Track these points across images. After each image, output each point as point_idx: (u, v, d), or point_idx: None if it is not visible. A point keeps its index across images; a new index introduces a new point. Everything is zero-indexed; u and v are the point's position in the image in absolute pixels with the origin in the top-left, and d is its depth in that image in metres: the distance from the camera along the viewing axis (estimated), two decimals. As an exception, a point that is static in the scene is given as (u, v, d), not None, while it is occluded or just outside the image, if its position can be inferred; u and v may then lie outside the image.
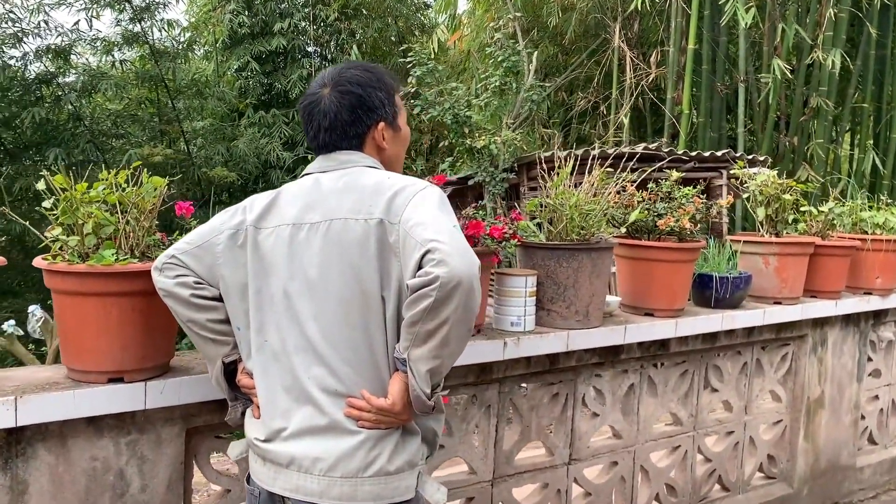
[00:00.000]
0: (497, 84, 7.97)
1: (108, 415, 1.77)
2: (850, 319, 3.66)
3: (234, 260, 1.60)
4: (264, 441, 1.59)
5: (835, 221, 3.58)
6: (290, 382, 1.56)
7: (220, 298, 1.63)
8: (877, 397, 3.98)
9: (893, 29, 8.33)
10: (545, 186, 2.57)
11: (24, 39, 8.77)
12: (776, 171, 3.39)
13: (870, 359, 3.86)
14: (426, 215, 1.48)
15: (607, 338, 2.62)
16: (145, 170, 1.88)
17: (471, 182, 7.60)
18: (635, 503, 2.97)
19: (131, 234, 1.80)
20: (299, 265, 1.56)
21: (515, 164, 7.33)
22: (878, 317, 3.82)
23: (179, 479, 1.91)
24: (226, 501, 2.08)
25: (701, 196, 2.82)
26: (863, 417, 3.89)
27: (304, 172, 1.70)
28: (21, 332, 5.13)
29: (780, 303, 3.25)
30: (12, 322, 4.99)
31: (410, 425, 1.61)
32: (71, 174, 1.75)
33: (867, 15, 7.96)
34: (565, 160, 2.60)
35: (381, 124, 1.70)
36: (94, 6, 8.99)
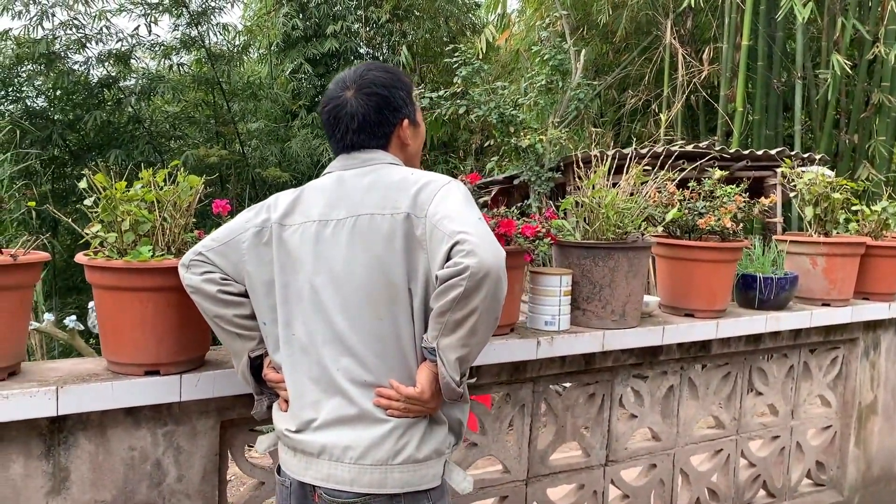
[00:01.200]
0: (543, 83, 7.92)
1: (146, 406, 1.83)
2: (905, 323, 3.53)
3: (259, 257, 1.64)
4: (295, 432, 1.62)
5: (889, 221, 3.46)
6: (318, 374, 1.60)
7: (245, 294, 1.68)
8: (935, 404, 3.83)
9: (962, 21, 7.98)
10: (582, 185, 2.55)
11: (87, 45, 9.09)
12: (832, 170, 3.29)
13: (927, 364, 3.72)
14: (452, 209, 1.52)
15: (645, 338, 2.59)
16: (183, 169, 1.94)
17: (516, 181, 7.57)
18: (675, 507, 2.93)
19: (168, 231, 1.86)
20: (325, 260, 1.59)
21: (562, 164, 7.28)
22: (935, 320, 3.67)
23: (214, 471, 1.96)
24: (260, 493, 2.13)
25: (743, 195, 2.75)
26: (919, 425, 3.75)
27: (325, 171, 1.74)
28: (82, 327, 5.33)
29: (828, 304, 3.15)
30: (74, 317, 5.19)
31: (437, 415, 1.64)
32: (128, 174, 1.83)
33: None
34: (601, 158, 2.58)
35: (405, 122, 1.74)
36: (153, 12, 9.26)
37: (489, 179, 8.06)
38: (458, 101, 7.69)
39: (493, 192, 7.99)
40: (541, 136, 7.16)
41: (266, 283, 1.64)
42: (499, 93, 7.79)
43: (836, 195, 3.10)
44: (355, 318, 1.57)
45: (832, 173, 3.45)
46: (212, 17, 9.59)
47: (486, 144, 9.14)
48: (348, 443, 1.56)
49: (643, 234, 2.57)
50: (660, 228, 2.73)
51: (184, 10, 9.30)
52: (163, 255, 1.81)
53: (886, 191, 3.88)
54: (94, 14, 9.05)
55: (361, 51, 11.03)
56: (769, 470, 3.21)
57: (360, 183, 1.64)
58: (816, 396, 3.36)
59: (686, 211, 2.71)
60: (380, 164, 1.69)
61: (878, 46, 7.34)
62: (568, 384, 2.63)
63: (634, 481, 2.83)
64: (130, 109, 9.39)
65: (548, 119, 7.96)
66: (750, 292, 2.98)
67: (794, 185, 3.21)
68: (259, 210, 1.69)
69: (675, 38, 8.99)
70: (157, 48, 9.70)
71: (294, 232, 1.62)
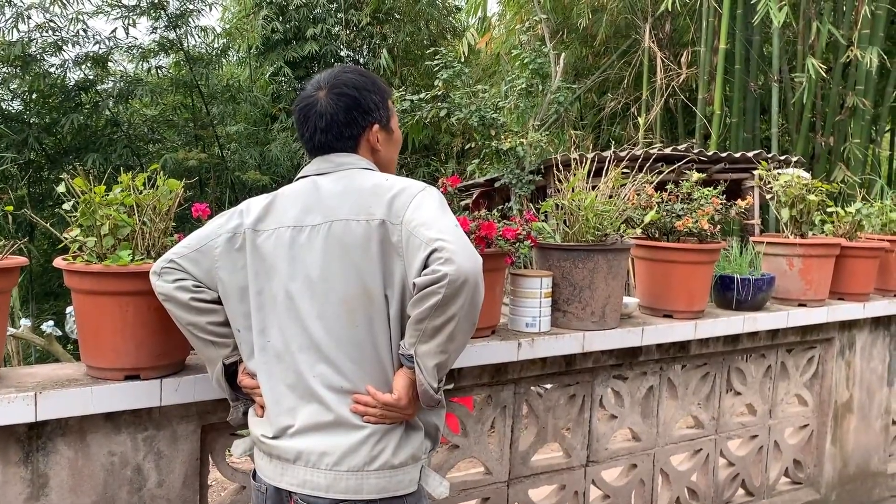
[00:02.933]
0: (524, 86, 7.96)
1: (126, 411, 1.82)
2: (879, 322, 3.58)
3: (231, 263, 1.63)
4: (272, 438, 1.61)
5: (863, 222, 3.51)
6: (294, 381, 1.59)
7: (219, 301, 1.66)
8: (909, 402, 3.89)
9: (934, 26, 8.14)
10: (562, 188, 2.57)
11: (64, 48, 9.01)
12: (808, 172, 3.34)
13: (901, 363, 3.78)
14: (428, 216, 1.52)
15: (624, 339, 2.61)
16: (162, 172, 1.93)
17: (497, 184, 7.60)
18: (655, 506, 2.95)
19: (148, 235, 1.85)
20: (301, 266, 1.58)
21: (542, 167, 7.31)
22: (909, 320, 3.74)
23: (195, 475, 1.96)
24: (241, 498, 2.12)
25: (720, 197, 2.79)
26: (894, 423, 3.81)
27: (299, 175, 1.74)
28: (59, 333, 5.28)
29: (804, 305, 3.20)
30: (51, 323, 5.14)
31: (413, 420, 1.64)
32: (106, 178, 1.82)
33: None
34: (581, 161, 2.60)
35: (376, 126, 1.74)
36: (130, 15, 9.20)
37: (470, 182, 8.09)
38: (439, 104, 7.71)
39: (475, 195, 8.02)
40: (521, 140, 7.19)
41: (240, 290, 1.63)
42: (479, 96, 7.81)
43: (812, 197, 3.15)
44: (331, 325, 1.56)
45: (808, 175, 3.50)
46: (190, 19, 9.55)
47: (467, 147, 9.16)
48: (324, 449, 1.55)
49: (622, 237, 2.59)
50: (638, 230, 2.76)
51: (162, 12, 9.24)
52: (142, 259, 1.80)
53: (860, 192, 3.93)
54: (70, 16, 8.97)
55: (342, 54, 11.03)
56: (748, 469, 3.25)
57: (335, 188, 1.64)
58: (794, 396, 3.41)
59: (664, 213, 2.74)
60: (353, 169, 1.69)
61: (852, 50, 7.45)
62: (549, 385, 2.65)
63: (615, 481, 2.85)
64: (108, 113, 9.32)
65: (528, 122, 8.00)
66: (728, 293, 3.02)
67: (771, 188, 3.25)
68: (231, 216, 1.67)
69: (653, 42, 9.06)
70: (134, 51, 9.64)
71: (268, 237, 1.61)
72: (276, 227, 1.61)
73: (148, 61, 9.77)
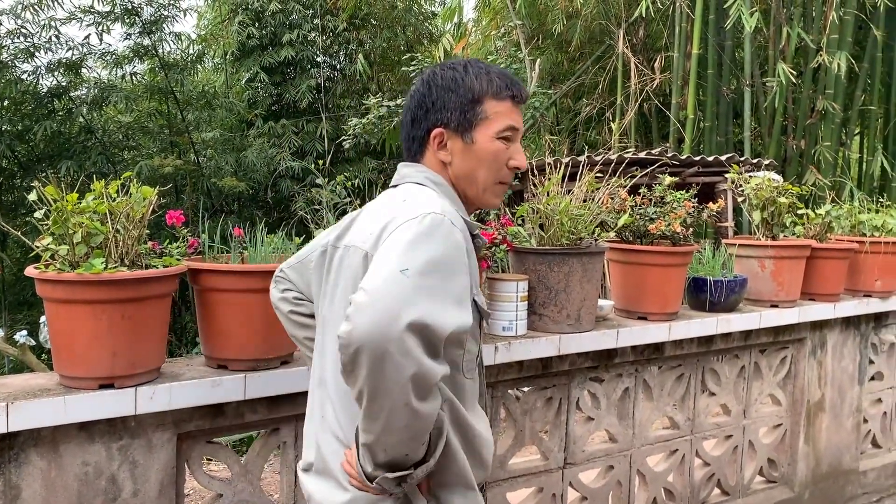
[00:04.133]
0: (500, 92, 7.99)
1: (100, 420, 1.81)
2: (849, 322, 3.65)
3: (319, 279, 1.54)
4: (303, 471, 1.53)
5: (833, 224, 3.58)
6: (310, 415, 1.53)
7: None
8: (880, 400, 3.96)
9: (900, 31, 8.29)
10: (538, 192, 2.59)
11: (36, 54, 8.90)
12: (780, 175, 3.39)
13: (871, 361, 3.85)
14: (385, 254, 1.26)
15: (599, 341, 2.63)
16: (137, 180, 1.92)
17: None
18: (632, 507, 2.98)
19: (121, 242, 1.84)
20: (325, 293, 1.50)
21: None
22: (878, 319, 3.81)
23: (171, 484, 1.95)
24: (218, 506, 2.11)
25: (692, 200, 2.83)
26: (865, 421, 3.88)
27: None
28: (33, 342, 5.22)
29: (776, 306, 3.25)
30: (24, 332, 5.08)
31: (417, 497, 1.37)
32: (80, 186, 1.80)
33: (873, 17, 7.92)
34: (556, 166, 2.62)
35: (439, 130, 1.48)
36: (104, 21, 9.11)
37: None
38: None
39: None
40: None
41: None
42: (456, 101, 7.81)
43: (782, 199, 3.20)
44: (335, 365, 1.39)
45: (780, 178, 3.56)
46: (165, 26, 9.48)
47: (442, 153, 9.16)
48: (320, 499, 1.43)
49: (597, 240, 2.62)
50: (612, 234, 2.79)
51: (136, 18, 9.17)
52: (116, 267, 1.79)
53: (830, 195, 4.00)
54: (42, 23, 8.87)
55: (318, 59, 11.00)
56: (723, 468, 3.29)
57: (376, 205, 1.48)
58: (767, 395, 3.46)
59: (637, 216, 2.77)
60: (407, 184, 1.48)
61: (821, 55, 7.56)
62: (526, 388, 2.67)
63: (592, 483, 2.88)
64: (82, 119, 9.22)
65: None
66: (701, 295, 3.05)
67: (742, 191, 3.30)
68: (332, 229, 1.56)
69: (627, 48, 9.14)
70: (108, 57, 9.55)
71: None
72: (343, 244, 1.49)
73: (122, 68, 9.67)
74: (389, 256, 1.24)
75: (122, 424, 1.85)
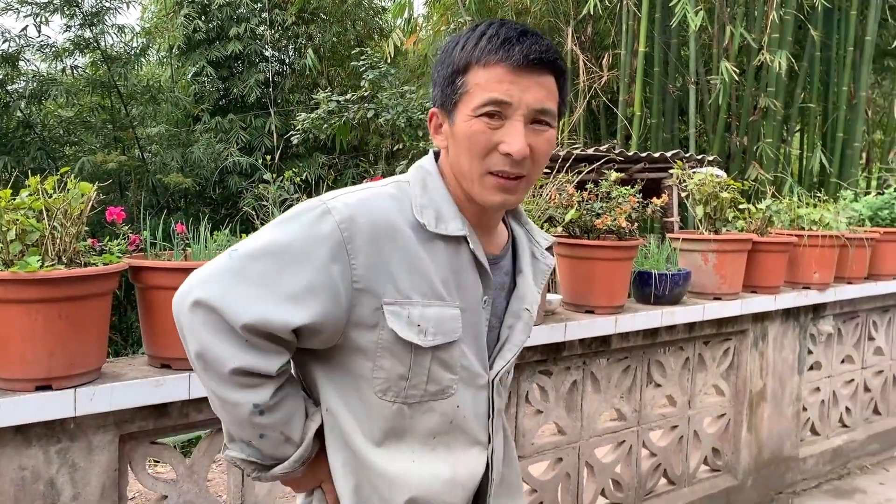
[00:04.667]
0: (450, 87, 8.00)
1: (37, 423, 1.76)
2: (789, 314, 3.76)
3: None
4: None
5: (773, 218, 3.68)
6: None
7: None
8: (818, 389, 4.09)
9: (837, 31, 8.56)
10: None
11: (-30, 46, 8.60)
12: (725, 171, 3.47)
13: (810, 352, 3.97)
14: None
15: (548, 335, 2.66)
16: (73, 176, 1.87)
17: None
18: (581, 499, 3.02)
19: (59, 240, 1.79)
20: None
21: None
22: (816, 311, 3.93)
23: (113, 487, 1.90)
24: (163, 507, 2.07)
25: (637, 195, 2.87)
26: (805, 409, 4.00)
27: None
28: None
29: (719, 298, 3.33)
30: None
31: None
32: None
33: (812, 17, 8.17)
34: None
35: (432, 110, 1.32)
36: (43, 12, 8.83)
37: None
38: (366, 105, 7.68)
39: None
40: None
41: None
42: (407, 97, 7.82)
43: (725, 195, 3.28)
44: None
45: (723, 174, 3.64)
46: (107, 17, 9.23)
47: (395, 148, 9.16)
48: None
49: (544, 235, 2.64)
50: (560, 228, 2.82)
51: (76, 10, 8.91)
52: (52, 265, 1.74)
53: (771, 190, 4.12)
54: (-24, 13, 8.57)
55: (267, 53, 10.85)
56: (669, 458, 3.35)
57: None
58: (711, 386, 3.54)
59: (584, 211, 2.80)
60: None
61: (763, 54, 7.76)
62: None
63: (542, 476, 2.91)
64: (20, 114, 8.92)
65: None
66: (646, 288, 3.11)
67: (686, 186, 3.37)
68: None
69: (576, 45, 9.25)
70: (47, 49, 9.26)
71: None
72: None
73: (62, 60, 9.39)
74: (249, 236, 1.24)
75: (61, 427, 1.80)
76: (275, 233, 1.19)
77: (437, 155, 1.34)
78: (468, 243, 1.27)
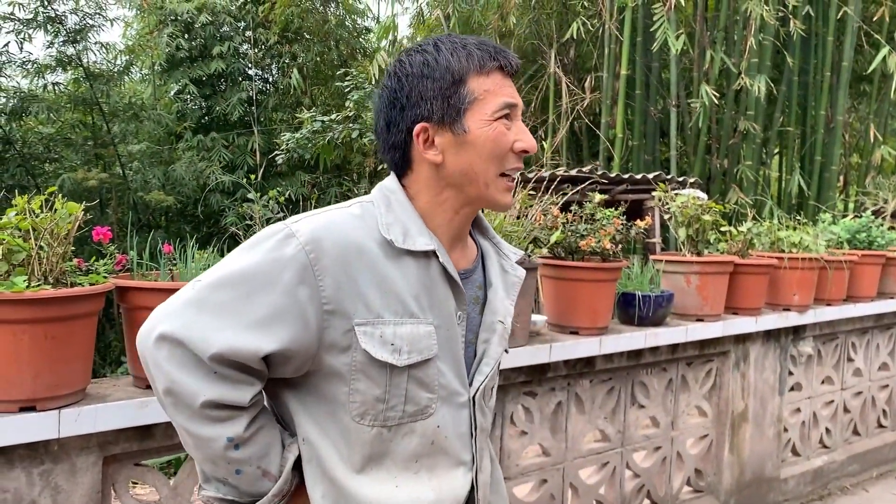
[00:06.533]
0: (435, 108, 8.05)
1: (20, 444, 1.74)
2: (770, 335, 3.80)
3: None
4: None
5: (754, 241, 3.73)
6: None
7: None
8: (799, 410, 4.13)
9: (814, 56, 8.72)
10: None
11: (-50, 62, 8.53)
12: (705, 193, 3.52)
13: (791, 373, 4.01)
14: None
15: (533, 356, 2.67)
16: (60, 195, 1.86)
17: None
18: (565, 520, 3.02)
19: (45, 260, 1.78)
20: None
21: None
22: (797, 332, 3.97)
23: (96, 509, 1.88)
24: (146, 530, 2.05)
25: (621, 217, 2.91)
26: (786, 430, 4.03)
27: None
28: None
29: (702, 320, 3.36)
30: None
31: None
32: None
33: (789, 43, 8.33)
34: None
35: (419, 126, 1.26)
36: (25, 29, 8.80)
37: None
38: (351, 124, 7.70)
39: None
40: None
41: None
42: (390, 117, 7.82)
43: (706, 217, 3.32)
44: None
45: (704, 196, 3.69)
46: (90, 35, 9.20)
47: (379, 168, 9.18)
48: None
49: (529, 256, 2.66)
50: (545, 250, 2.84)
51: (60, 27, 8.88)
52: (39, 285, 1.73)
53: (751, 212, 4.17)
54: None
55: (250, 72, 10.87)
56: (652, 479, 3.36)
57: None
58: (694, 407, 3.56)
59: (569, 233, 2.83)
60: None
61: (742, 78, 7.89)
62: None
63: (526, 497, 2.90)
64: (0, 130, 8.85)
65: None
66: (630, 309, 3.13)
67: (668, 208, 3.41)
68: None
69: (559, 68, 9.36)
70: (29, 66, 9.21)
71: None
72: None
73: (44, 77, 9.35)
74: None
75: (45, 448, 1.78)
76: (238, 260, 1.18)
77: (399, 176, 1.33)
78: (437, 258, 1.27)
